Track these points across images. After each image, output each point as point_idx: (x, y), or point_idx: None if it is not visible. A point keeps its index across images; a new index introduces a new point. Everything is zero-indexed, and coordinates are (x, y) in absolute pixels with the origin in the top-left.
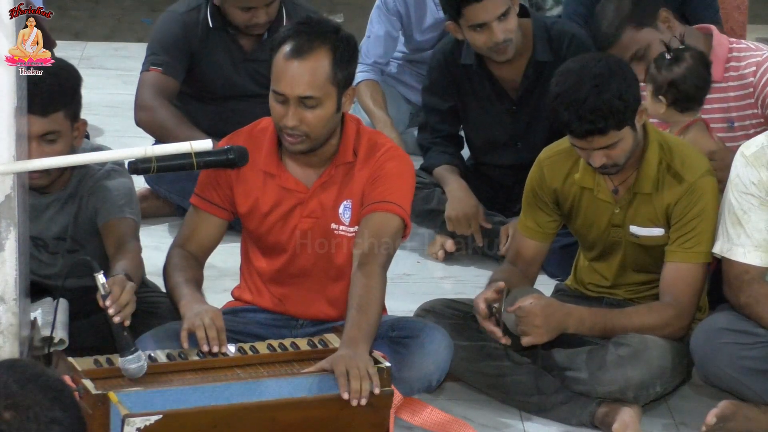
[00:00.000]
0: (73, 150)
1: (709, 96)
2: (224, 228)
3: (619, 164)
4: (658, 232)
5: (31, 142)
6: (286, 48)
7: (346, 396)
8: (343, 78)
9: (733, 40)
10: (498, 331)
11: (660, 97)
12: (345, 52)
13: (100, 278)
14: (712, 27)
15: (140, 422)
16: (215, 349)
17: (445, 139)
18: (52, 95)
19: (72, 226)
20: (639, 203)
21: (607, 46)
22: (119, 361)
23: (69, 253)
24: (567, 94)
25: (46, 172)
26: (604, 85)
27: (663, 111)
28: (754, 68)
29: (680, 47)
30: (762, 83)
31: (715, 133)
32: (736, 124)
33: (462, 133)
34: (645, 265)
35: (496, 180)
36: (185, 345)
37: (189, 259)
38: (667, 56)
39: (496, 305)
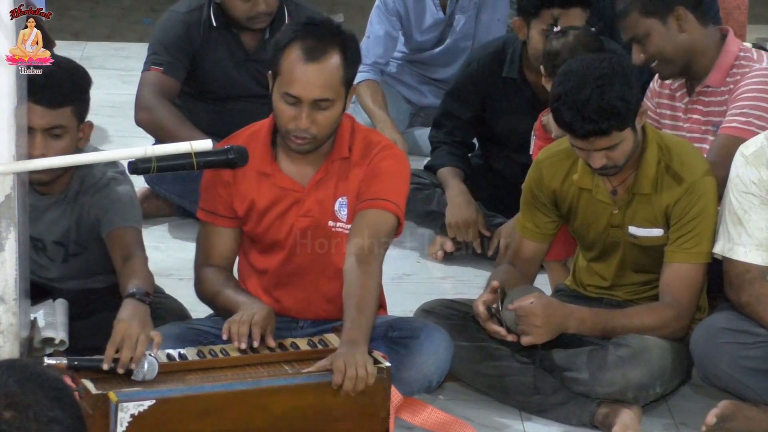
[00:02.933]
0: (77, 151)
1: (705, 99)
2: (239, 235)
3: (618, 165)
4: (657, 232)
5: (36, 135)
6: (297, 50)
7: (338, 382)
8: (351, 78)
9: (745, 48)
10: (502, 331)
11: (542, 66)
12: (353, 52)
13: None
14: (730, 31)
15: (133, 408)
16: (243, 345)
17: (456, 142)
18: (62, 89)
19: (74, 231)
20: (638, 204)
21: (616, 18)
22: (133, 378)
23: (73, 257)
24: (570, 94)
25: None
26: (607, 86)
27: (544, 81)
28: (738, 77)
29: (574, 27)
30: (735, 92)
31: (711, 136)
32: (718, 130)
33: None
34: (644, 266)
35: (505, 177)
36: (224, 337)
37: (222, 272)
38: (555, 29)
39: (494, 306)
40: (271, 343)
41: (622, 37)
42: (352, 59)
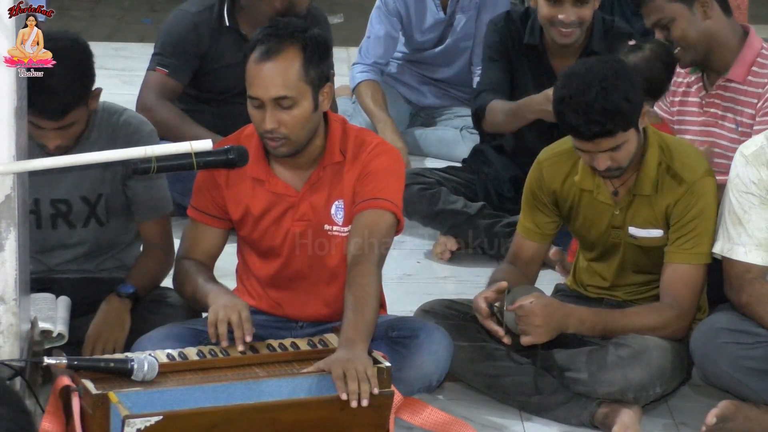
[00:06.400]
0: (89, 114)
1: (725, 94)
2: (225, 236)
3: (623, 167)
4: (657, 233)
5: (48, 133)
6: (255, 53)
7: (344, 397)
8: (316, 76)
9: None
10: (500, 330)
11: None
12: (315, 50)
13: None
14: (751, 27)
15: (140, 423)
16: (240, 348)
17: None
18: (65, 101)
19: (109, 184)
20: (638, 205)
21: (642, 2)
22: (133, 378)
23: (96, 222)
24: (574, 97)
25: (71, 138)
26: (612, 86)
27: None
28: (765, 80)
29: (648, 39)
30: (765, 98)
31: (727, 132)
32: (740, 129)
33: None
34: (644, 267)
35: (508, 166)
36: (213, 339)
37: (200, 265)
38: (630, 43)
39: (496, 305)
40: (248, 339)
41: (645, 21)
42: (314, 57)
